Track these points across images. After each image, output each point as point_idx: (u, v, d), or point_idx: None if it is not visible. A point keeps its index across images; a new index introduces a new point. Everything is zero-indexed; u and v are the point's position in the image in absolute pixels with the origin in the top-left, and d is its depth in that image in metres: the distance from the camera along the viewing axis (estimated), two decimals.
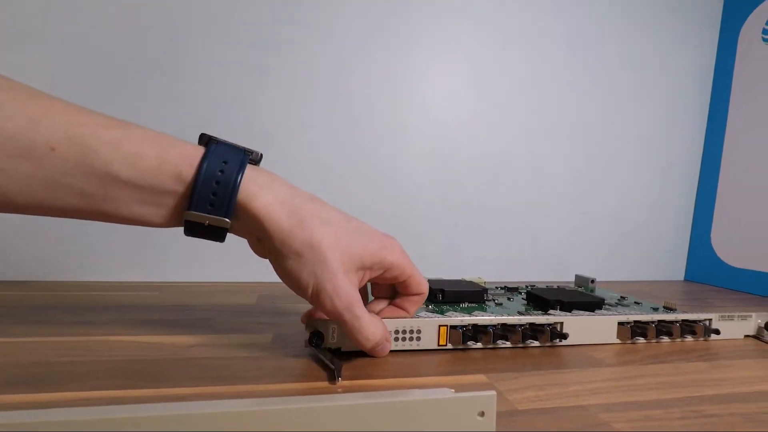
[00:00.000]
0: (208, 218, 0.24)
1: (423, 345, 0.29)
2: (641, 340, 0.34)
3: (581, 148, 0.65)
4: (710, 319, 0.36)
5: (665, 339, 0.35)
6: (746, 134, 0.62)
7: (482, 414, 0.19)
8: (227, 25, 0.52)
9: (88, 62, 0.48)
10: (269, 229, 0.24)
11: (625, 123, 0.66)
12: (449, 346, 0.30)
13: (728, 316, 0.36)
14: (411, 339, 0.29)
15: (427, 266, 0.58)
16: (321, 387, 0.24)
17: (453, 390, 0.20)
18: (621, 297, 0.43)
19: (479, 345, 0.31)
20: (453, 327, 0.30)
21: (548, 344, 0.32)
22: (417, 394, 0.19)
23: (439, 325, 0.30)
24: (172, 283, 0.51)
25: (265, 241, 0.25)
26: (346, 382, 0.25)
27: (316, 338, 0.27)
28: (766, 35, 0.59)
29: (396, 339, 0.29)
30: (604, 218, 0.67)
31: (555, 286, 0.46)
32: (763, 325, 0.37)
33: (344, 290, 0.25)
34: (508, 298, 0.40)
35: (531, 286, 0.48)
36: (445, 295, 0.34)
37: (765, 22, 0.59)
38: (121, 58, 0.49)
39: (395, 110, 0.58)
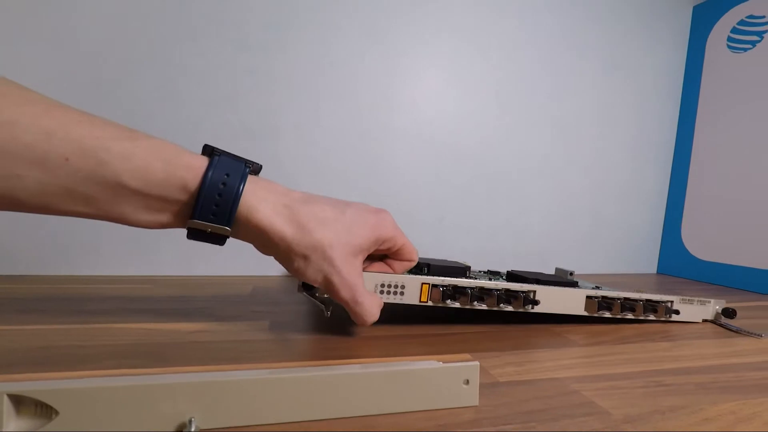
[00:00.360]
0: (210, 226, 0.25)
1: (406, 300, 0.31)
2: (607, 313, 0.36)
3: (561, 147, 0.68)
4: (672, 301, 0.39)
5: (629, 315, 0.37)
6: (713, 136, 0.66)
7: (467, 382, 0.22)
8: (219, 24, 0.53)
9: (79, 60, 0.49)
10: (273, 238, 0.26)
11: (601, 123, 0.69)
12: (430, 303, 0.32)
13: (688, 300, 0.39)
14: (395, 293, 0.31)
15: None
16: (319, 365, 0.26)
17: (441, 362, 0.22)
18: (596, 286, 0.46)
19: (457, 304, 0.32)
20: (435, 285, 0.32)
21: (521, 310, 0.34)
22: (409, 365, 0.21)
23: (422, 283, 0.32)
24: (165, 277, 0.52)
25: (270, 247, 0.27)
26: (342, 360, 0.27)
27: (306, 285, 0.31)
28: (731, 42, 0.63)
29: (381, 292, 0.31)
30: (582, 215, 0.70)
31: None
32: (720, 311, 0.40)
33: (349, 281, 0.27)
34: (489, 278, 0.42)
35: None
36: (431, 269, 0.36)
37: (730, 30, 0.63)
38: (112, 55, 0.50)
39: (387, 110, 0.60)
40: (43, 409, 0.17)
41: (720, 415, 0.22)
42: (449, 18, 0.61)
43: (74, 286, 0.44)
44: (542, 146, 0.67)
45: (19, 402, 0.17)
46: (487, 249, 0.65)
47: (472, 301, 0.33)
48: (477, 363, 0.22)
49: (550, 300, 0.35)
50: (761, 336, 0.36)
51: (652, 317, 0.39)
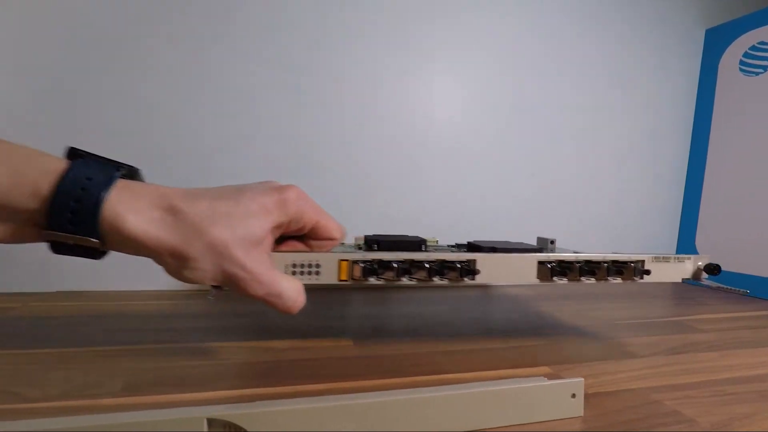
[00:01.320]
0: (71, 237, 0.22)
1: (322, 279, 0.28)
2: (563, 280, 0.32)
3: (580, 163, 0.71)
4: (642, 261, 0.33)
5: (591, 280, 0.33)
6: (725, 152, 0.70)
7: (573, 395, 0.25)
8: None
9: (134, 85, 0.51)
10: (157, 249, 0.23)
11: (617, 139, 0.73)
12: (350, 281, 0.29)
13: (663, 258, 0.34)
14: (309, 273, 0.28)
15: None
16: (420, 380, 0.29)
17: (545, 378, 0.25)
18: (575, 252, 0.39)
19: (381, 281, 0.29)
20: (354, 261, 0.28)
21: (460, 284, 0.31)
22: (525, 382, 0.24)
23: (340, 260, 0.28)
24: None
25: (155, 258, 0.24)
26: (433, 376, 0.30)
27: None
28: (743, 66, 0.67)
29: (293, 273, 0.28)
30: (600, 224, 0.74)
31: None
32: (702, 267, 0.35)
33: (257, 275, 0.25)
34: (451, 251, 0.35)
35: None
36: (381, 245, 0.33)
37: (742, 54, 0.68)
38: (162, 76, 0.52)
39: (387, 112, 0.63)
40: (231, 429, 0.20)
41: None
42: (470, 36, 0.64)
43: (152, 303, 0.46)
44: (562, 163, 0.70)
45: (210, 424, 0.20)
46: None
47: (399, 276, 0.29)
48: (582, 379, 0.25)
49: (495, 269, 0.31)
50: (747, 293, 0.35)
51: (618, 280, 0.33)
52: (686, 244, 0.76)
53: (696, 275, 0.35)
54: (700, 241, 0.74)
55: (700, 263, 0.35)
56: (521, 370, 0.31)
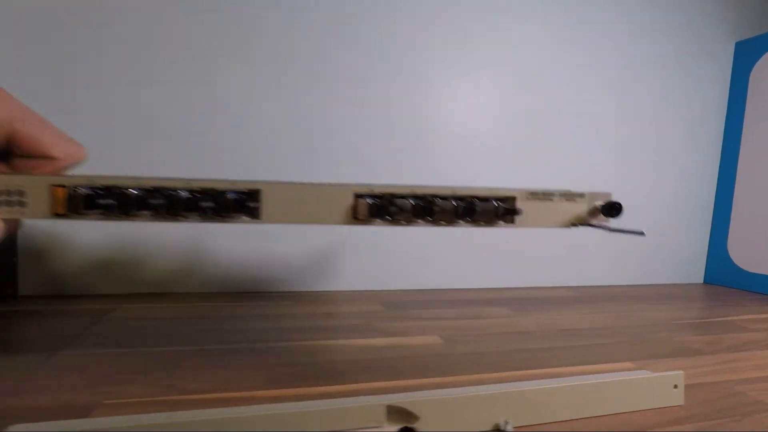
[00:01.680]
0: None
1: (29, 213, 0.22)
2: (378, 221, 0.25)
3: (618, 169, 0.75)
4: (512, 198, 0.26)
5: (419, 221, 0.25)
6: (756, 155, 0.73)
7: (675, 386, 0.28)
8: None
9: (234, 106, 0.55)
10: None
11: (650, 140, 0.77)
12: (70, 214, 0.22)
13: (544, 195, 0.27)
14: (10, 203, 0.21)
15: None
16: (528, 373, 0.32)
17: (649, 371, 0.28)
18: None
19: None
20: (76, 188, 0.22)
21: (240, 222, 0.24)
22: (633, 374, 0.28)
23: (52, 185, 0.21)
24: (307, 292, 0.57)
25: None
26: (546, 369, 0.33)
27: None
28: None
29: None
30: (631, 224, 0.77)
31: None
32: (600, 207, 0.28)
33: None
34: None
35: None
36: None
37: None
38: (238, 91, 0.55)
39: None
40: (404, 414, 0.23)
41: None
42: (514, 7, 0.68)
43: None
44: (601, 169, 0.74)
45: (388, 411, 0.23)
46: (540, 252, 0.72)
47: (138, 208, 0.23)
48: (682, 372, 0.28)
49: (279, 205, 0.23)
50: (643, 233, 0.28)
51: (482, 222, 0.26)
52: (718, 245, 0.79)
53: (587, 219, 0.27)
54: (732, 243, 0.77)
55: (598, 202, 0.28)
56: (608, 365, 0.35)
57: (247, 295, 0.54)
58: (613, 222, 0.28)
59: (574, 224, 0.27)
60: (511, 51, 0.67)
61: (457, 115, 0.65)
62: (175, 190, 0.22)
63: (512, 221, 0.26)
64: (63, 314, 0.43)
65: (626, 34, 0.73)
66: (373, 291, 0.60)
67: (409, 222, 0.25)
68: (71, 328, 0.38)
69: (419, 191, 0.25)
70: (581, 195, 0.27)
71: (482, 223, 0.26)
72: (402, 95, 0.62)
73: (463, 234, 0.67)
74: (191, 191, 0.22)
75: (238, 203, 0.23)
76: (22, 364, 0.30)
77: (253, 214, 0.23)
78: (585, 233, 0.74)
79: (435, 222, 0.25)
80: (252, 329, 0.40)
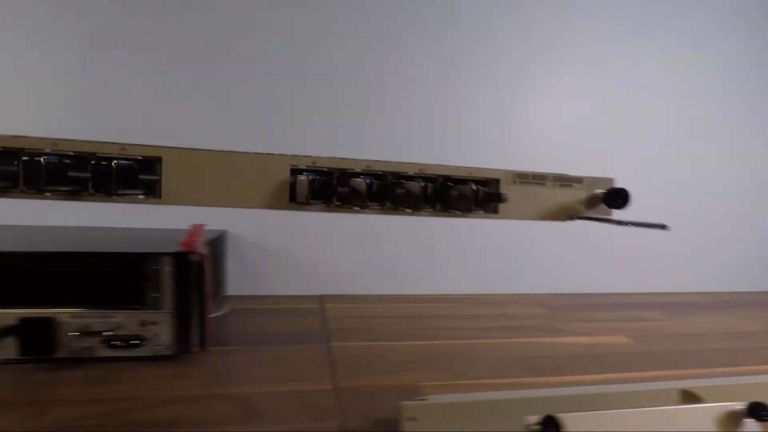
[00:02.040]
0: None
1: None
2: (319, 204, 0.20)
3: (704, 178, 0.75)
4: (496, 180, 0.21)
5: (376, 206, 0.21)
6: None
7: None
8: None
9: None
10: None
11: (730, 151, 0.77)
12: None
13: (535, 179, 0.21)
14: None
15: None
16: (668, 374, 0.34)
17: None
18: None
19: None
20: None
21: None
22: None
23: None
24: (447, 296, 0.63)
25: None
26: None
27: None
28: None
29: None
30: (728, 231, 0.78)
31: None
32: (601, 196, 0.23)
33: None
34: None
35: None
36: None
37: None
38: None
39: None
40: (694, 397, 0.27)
41: None
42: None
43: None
44: (683, 174, 0.75)
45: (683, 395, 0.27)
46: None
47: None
48: None
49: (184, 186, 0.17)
50: (666, 227, 0.23)
51: (456, 212, 0.21)
52: None
53: (586, 207, 0.22)
54: None
55: (599, 190, 0.22)
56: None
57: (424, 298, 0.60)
58: (617, 214, 0.23)
59: (571, 217, 0.23)
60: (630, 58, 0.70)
61: None
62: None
63: (495, 210, 0.21)
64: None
65: (723, 45, 0.74)
66: (522, 294, 0.65)
67: (363, 207, 0.20)
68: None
69: (378, 167, 0.20)
70: (579, 180, 0.22)
71: (457, 212, 0.20)
72: None
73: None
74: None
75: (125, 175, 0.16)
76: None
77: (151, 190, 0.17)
78: (692, 238, 0.76)
79: (395, 209, 0.20)
80: (465, 327, 0.46)
